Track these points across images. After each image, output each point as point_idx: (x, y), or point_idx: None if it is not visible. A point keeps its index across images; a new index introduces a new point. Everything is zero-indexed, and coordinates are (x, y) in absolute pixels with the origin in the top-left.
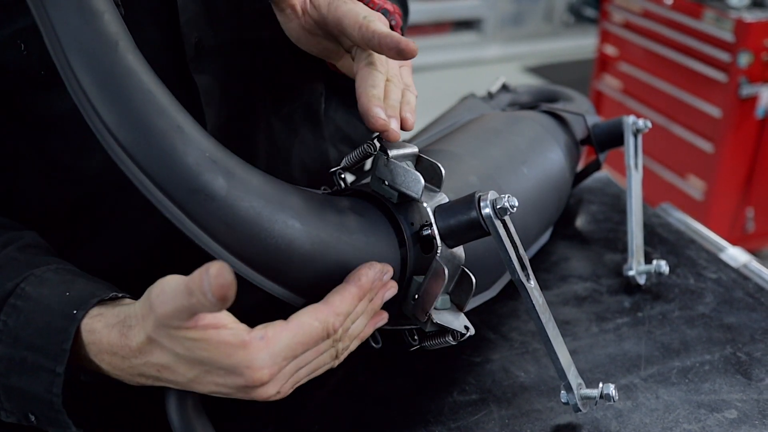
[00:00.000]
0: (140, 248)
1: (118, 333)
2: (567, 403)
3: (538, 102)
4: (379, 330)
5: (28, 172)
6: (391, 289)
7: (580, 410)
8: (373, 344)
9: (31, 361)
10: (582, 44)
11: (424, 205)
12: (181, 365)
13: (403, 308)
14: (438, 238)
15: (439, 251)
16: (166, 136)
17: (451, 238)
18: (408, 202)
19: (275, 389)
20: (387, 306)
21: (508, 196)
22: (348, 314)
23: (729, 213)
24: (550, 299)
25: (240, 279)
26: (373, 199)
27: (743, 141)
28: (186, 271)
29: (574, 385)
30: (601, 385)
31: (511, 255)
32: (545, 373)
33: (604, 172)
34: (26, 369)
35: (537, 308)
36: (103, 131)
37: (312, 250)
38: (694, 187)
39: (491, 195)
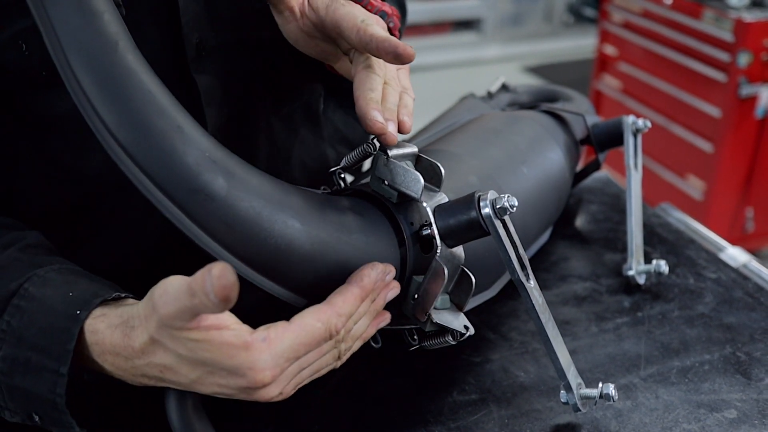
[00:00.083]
0: (140, 248)
1: (121, 333)
2: (567, 403)
3: (537, 102)
4: (379, 330)
5: (29, 172)
6: (394, 290)
7: (580, 410)
8: (373, 344)
9: (35, 362)
10: (581, 44)
11: (424, 204)
12: (184, 366)
13: (402, 308)
14: (438, 237)
15: (438, 251)
16: (166, 136)
17: (451, 237)
18: (408, 201)
19: (277, 390)
20: (387, 306)
21: (508, 196)
22: (350, 315)
23: (728, 213)
24: (550, 299)
25: (240, 279)
26: (372, 199)
27: (743, 141)
28: (186, 270)
29: (573, 385)
30: (600, 384)
31: (510, 255)
32: (545, 373)
33: (604, 172)
34: (30, 369)
35: (536, 308)
36: (103, 131)
37: (312, 249)
38: (694, 187)
39: (491, 195)
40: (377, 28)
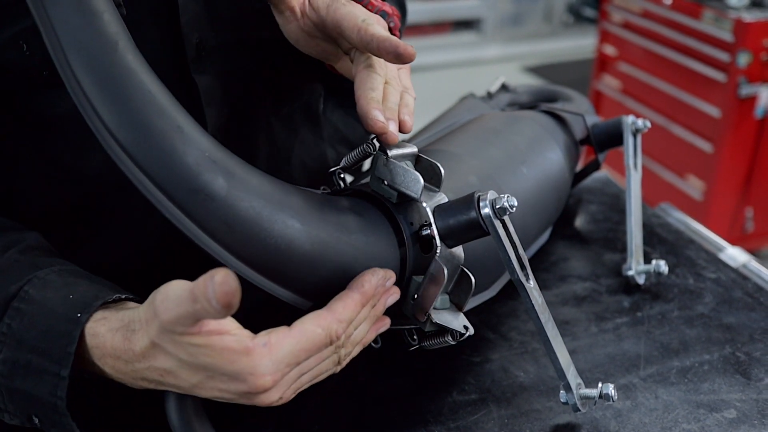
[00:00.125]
0: (140, 248)
1: (121, 337)
2: (566, 403)
3: (537, 102)
4: None
5: (29, 172)
6: (393, 295)
7: (580, 410)
8: (373, 345)
9: (36, 364)
10: (581, 44)
11: (424, 205)
12: (184, 370)
13: (402, 308)
14: (437, 238)
15: (438, 251)
16: (166, 136)
17: (451, 237)
18: (407, 202)
19: (277, 395)
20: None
21: (508, 196)
22: (351, 321)
23: (728, 213)
24: (550, 299)
25: (239, 279)
26: (372, 199)
27: (742, 141)
28: (186, 271)
29: (573, 385)
30: (600, 384)
31: (510, 255)
32: (544, 373)
33: (604, 172)
34: (30, 372)
35: (536, 308)
36: (103, 131)
37: (312, 250)
38: (694, 187)
39: (490, 195)
40: (378, 27)
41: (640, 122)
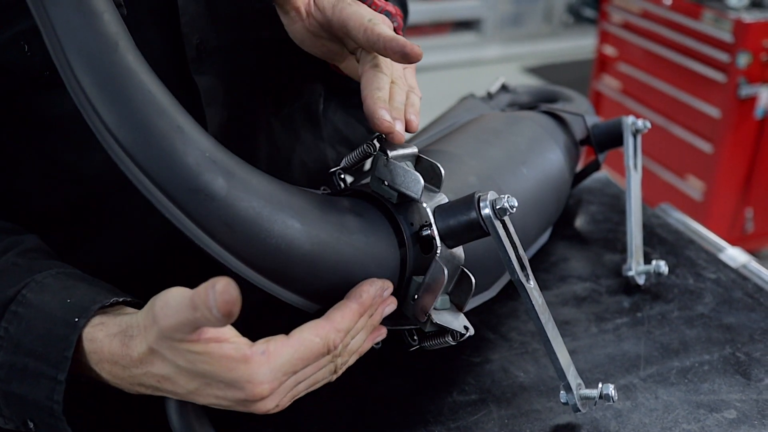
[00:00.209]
0: (141, 248)
1: (119, 342)
2: (566, 404)
3: (537, 102)
4: None
5: (29, 172)
6: (391, 305)
7: (580, 410)
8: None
9: (33, 368)
10: (581, 45)
11: (424, 205)
12: (182, 377)
13: (402, 308)
14: (437, 238)
15: (438, 251)
16: (166, 136)
17: (451, 238)
18: (408, 202)
19: (274, 403)
20: None
21: (508, 197)
22: (348, 330)
23: (728, 213)
24: (550, 299)
25: (238, 280)
26: (372, 200)
27: (742, 141)
28: (186, 271)
29: (573, 386)
30: (600, 385)
31: (510, 255)
32: (544, 374)
33: (604, 173)
34: (27, 376)
35: (536, 308)
36: (103, 131)
37: (312, 250)
38: (694, 187)
39: (491, 195)
40: (384, 27)
41: (640, 123)
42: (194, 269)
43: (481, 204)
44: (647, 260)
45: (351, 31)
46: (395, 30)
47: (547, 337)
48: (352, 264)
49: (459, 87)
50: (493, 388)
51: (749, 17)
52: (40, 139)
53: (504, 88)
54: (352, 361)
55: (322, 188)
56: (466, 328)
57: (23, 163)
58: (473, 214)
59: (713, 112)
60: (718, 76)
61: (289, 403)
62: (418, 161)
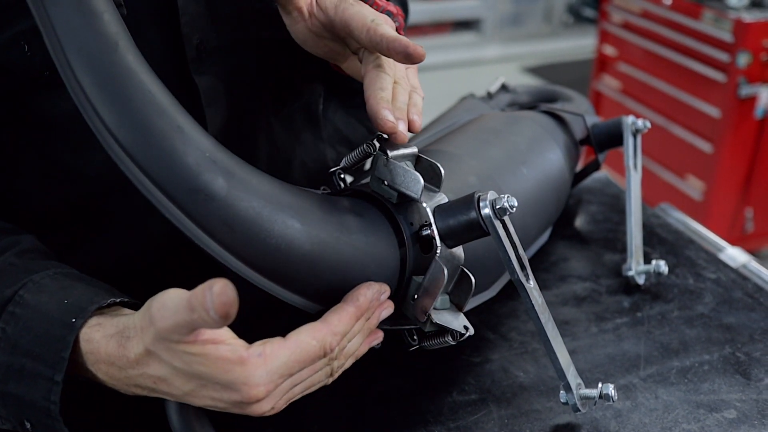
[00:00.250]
0: (140, 248)
1: (116, 344)
2: (566, 403)
3: (537, 102)
4: None
5: (29, 172)
6: (388, 309)
7: (580, 410)
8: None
9: (30, 369)
10: (581, 44)
11: (424, 205)
12: (178, 378)
13: (402, 308)
14: (437, 238)
15: (438, 251)
16: (166, 136)
17: (451, 238)
18: (407, 202)
19: (269, 405)
20: None
21: (508, 196)
22: (345, 333)
23: (728, 213)
24: (550, 299)
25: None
26: (372, 200)
27: (742, 141)
28: (186, 271)
29: (573, 385)
30: (600, 385)
31: (510, 255)
32: (544, 373)
33: (604, 173)
34: (24, 376)
35: (536, 308)
36: (103, 131)
37: (312, 250)
38: (693, 187)
39: (490, 195)
40: (387, 27)
41: (640, 122)
42: (194, 270)
43: (481, 204)
44: (647, 260)
45: (354, 32)
46: (397, 30)
47: (547, 337)
48: (352, 264)
49: (459, 87)
50: (493, 388)
51: (749, 17)
52: (40, 139)
53: (504, 87)
54: (348, 364)
55: (322, 188)
56: (466, 327)
57: (23, 163)
58: (473, 214)
59: (713, 111)
60: (718, 76)
61: (285, 405)
62: (418, 161)
